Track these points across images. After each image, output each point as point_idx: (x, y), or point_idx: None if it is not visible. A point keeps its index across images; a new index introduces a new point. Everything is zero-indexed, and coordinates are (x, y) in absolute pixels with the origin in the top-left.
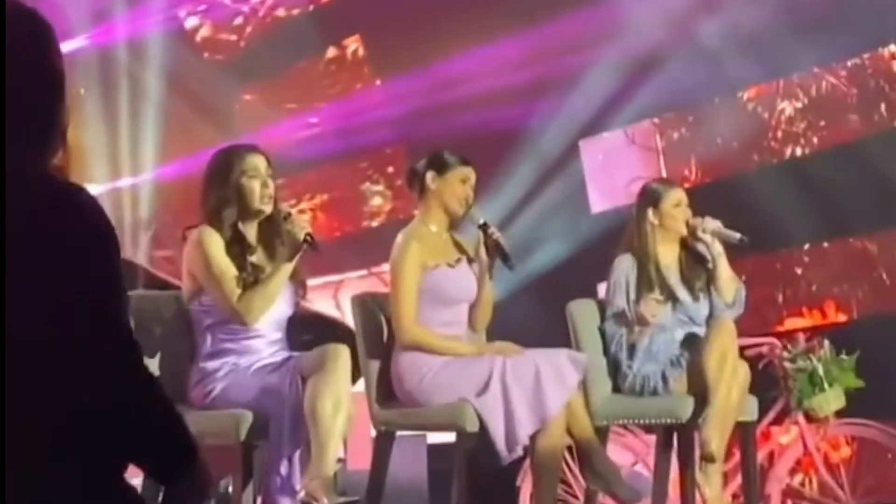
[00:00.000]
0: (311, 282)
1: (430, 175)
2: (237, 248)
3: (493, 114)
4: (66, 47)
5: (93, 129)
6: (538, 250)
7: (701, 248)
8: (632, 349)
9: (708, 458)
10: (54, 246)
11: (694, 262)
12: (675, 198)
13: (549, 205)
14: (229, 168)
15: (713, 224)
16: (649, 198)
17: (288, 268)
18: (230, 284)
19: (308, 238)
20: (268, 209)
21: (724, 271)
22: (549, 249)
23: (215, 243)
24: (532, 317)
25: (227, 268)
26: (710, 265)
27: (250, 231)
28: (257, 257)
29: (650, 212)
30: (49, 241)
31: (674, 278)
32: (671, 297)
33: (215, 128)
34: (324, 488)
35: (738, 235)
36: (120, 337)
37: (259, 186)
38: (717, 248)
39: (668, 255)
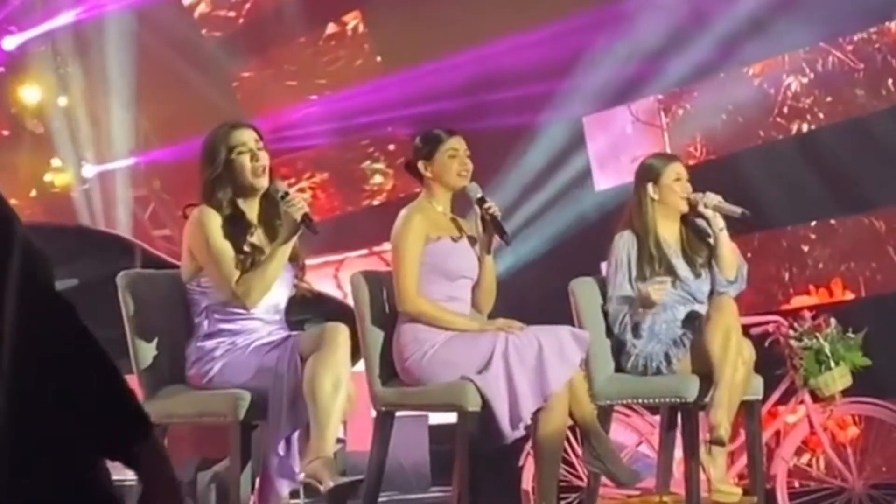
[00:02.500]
0: (311, 261)
1: (421, 164)
2: (236, 226)
3: (495, 92)
4: (56, 23)
5: (86, 108)
6: (541, 227)
7: (702, 223)
8: (635, 328)
9: (717, 442)
10: None
11: (695, 239)
12: (675, 172)
13: (553, 182)
14: (217, 147)
15: (714, 199)
16: (648, 173)
17: (285, 250)
18: (228, 266)
19: (305, 219)
20: (262, 182)
21: (726, 247)
22: (552, 226)
23: (214, 224)
24: (535, 294)
25: (225, 249)
26: (712, 241)
27: (250, 209)
28: (257, 237)
29: (650, 187)
30: None
31: (675, 254)
32: (672, 273)
33: (214, 107)
34: (325, 468)
35: (739, 210)
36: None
37: (248, 161)
38: (719, 222)
39: (668, 231)
